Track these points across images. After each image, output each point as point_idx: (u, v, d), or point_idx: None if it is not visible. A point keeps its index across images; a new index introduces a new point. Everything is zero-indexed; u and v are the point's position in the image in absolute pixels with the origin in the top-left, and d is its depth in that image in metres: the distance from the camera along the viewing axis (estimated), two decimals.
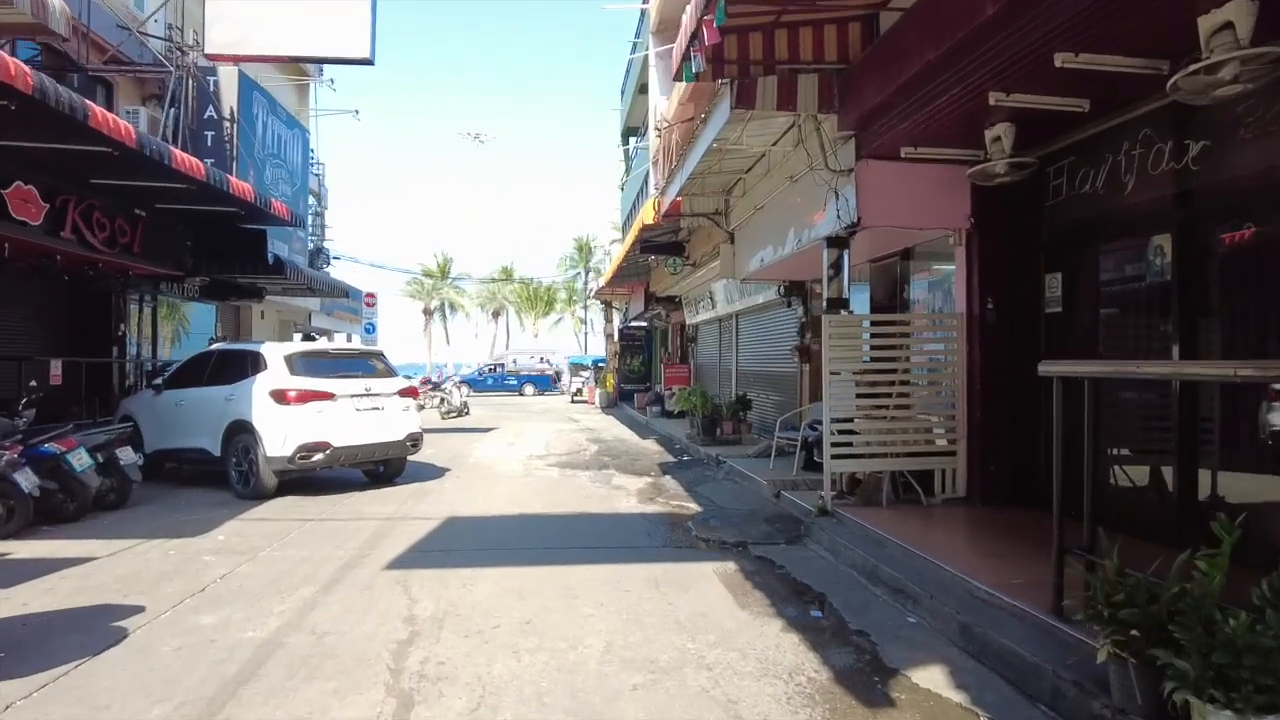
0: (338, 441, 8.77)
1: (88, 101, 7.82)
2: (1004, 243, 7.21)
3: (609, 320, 30.07)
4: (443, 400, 22.90)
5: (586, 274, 55.16)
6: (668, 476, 10.58)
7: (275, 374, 8.76)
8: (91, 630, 4.42)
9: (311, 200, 30.52)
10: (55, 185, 9.85)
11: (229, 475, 8.88)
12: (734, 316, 15.45)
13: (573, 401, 31.84)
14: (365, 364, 9.72)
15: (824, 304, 7.54)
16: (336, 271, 31.77)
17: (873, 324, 7.57)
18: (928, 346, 7.86)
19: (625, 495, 9.09)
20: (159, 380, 10.10)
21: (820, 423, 8.22)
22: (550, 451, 13.68)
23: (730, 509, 8.13)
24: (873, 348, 7.39)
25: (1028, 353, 7.13)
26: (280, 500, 8.61)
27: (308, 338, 28.53)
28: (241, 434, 8.73)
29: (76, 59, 11.86)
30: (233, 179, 11.18)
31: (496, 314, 63.78)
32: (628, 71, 27.09)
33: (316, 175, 30.22)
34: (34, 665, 3.89)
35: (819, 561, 6.11)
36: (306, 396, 8.63)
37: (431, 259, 63.09)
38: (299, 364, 8.92)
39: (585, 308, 57.60)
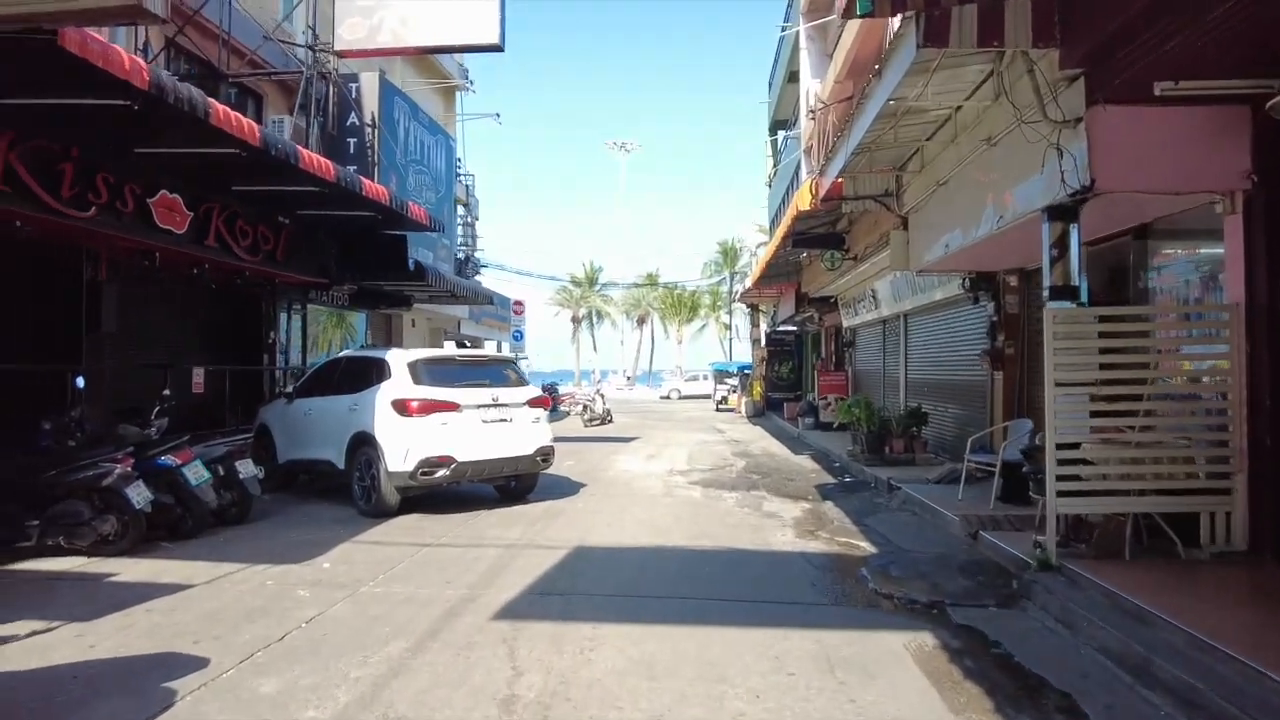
0: (462, 456, 8.00)
1: (210, 99, 7.50)
2: None
3: (755, 325, 28.57)
4: (585, 408, 22.35)
5: (731, 279, 53.86)
6: (829, 503, 9.12)
7: (398, 383, 8.14)
8: (137, 691, 3.68)
9: (461, 210, 31.21)
10: (199, 193, 9.83)
11: (353, 490, 8.34)
12: (901, 317, 13.67)
13: (717, 410, 30.62)
14: (494, 372, 8.96)
15: (1045, 293, 5.90)
16: (486, 280, 32.30)
17: (1107, 320, 5.83)
18: (1184, 349, 6.05)
19: (780, 526, 7.75)
20: (290, 388, 9.81)
21: (1031, 448, 6.56)
22: (693, 467, 12.51)
23: (914, 552, 6.61)
24: (1105, 350, 5.67)
25: None
26: (402, 519, 7.95)
27: (460, 346, 29.11)
28: (364, 446, 8.16)
29: (218, 66, 11.98)
30: (366, 181, 10.87)
31: (641, 321, 63.78)
32: (775, 60, 25.63)
33: (465, 185, 30.82)
34: None
35: (1049, 638, 4.54)
36: (429, 407, 7.93)
37: (579, 267, 64.02)
38: (424, 372, 8.26)
39: (730, 313, 56.23)
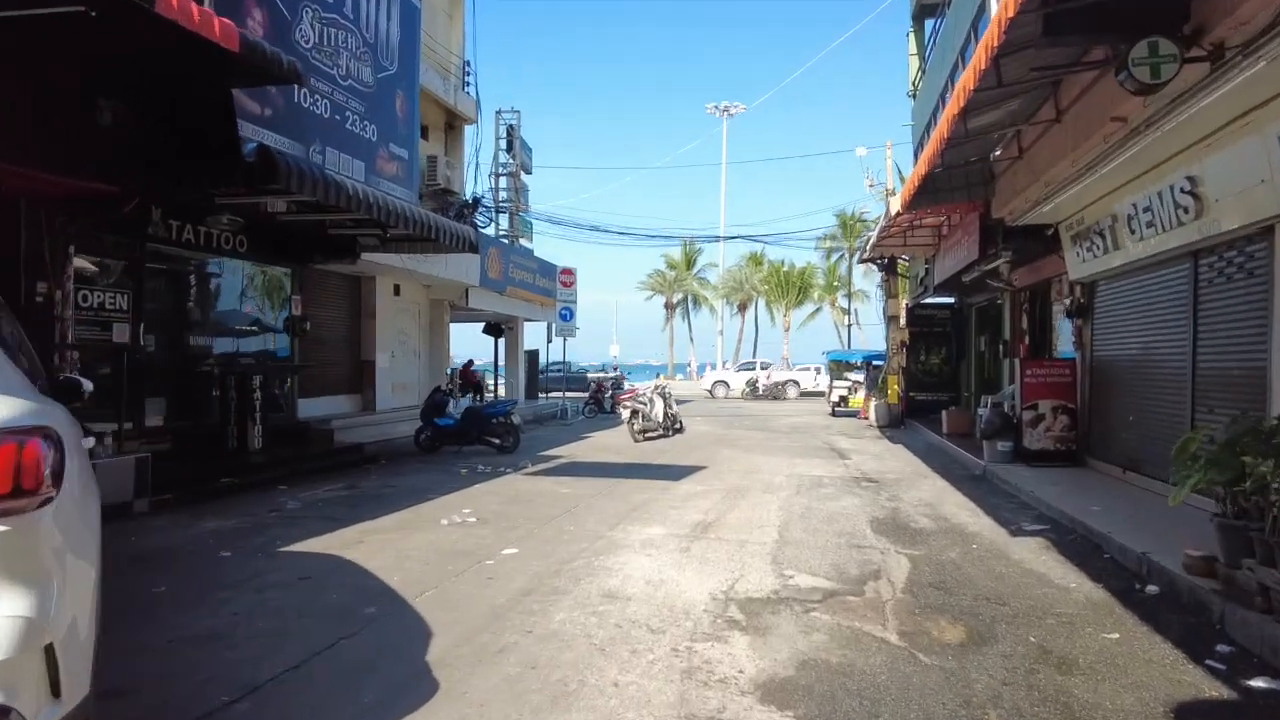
0: None
1: None
2: None
3: (892, 295, 20.24)
4: (635, 414, 15.16)
5: (851, 257, 45.33)
6: None
7: None
8: None
9: (506, 159, 24.74)
10: None
11: None
12: (1277, 231, 5.82)
13: (833, 414, 22.72)
14: None
15: None
16: (541, 248, 25.65)
17: None
18: None
19: None
20: None
21: None
22: (784, 586, 5.20)
23: None
24: None
25: None
26: None
27: (493, 330, 22.37)
28: None
29: None
30: None
31: (743, 306, 55.86)
32: None
33: (509, 123, 24.25)
34: None
35: None
36: None
37: (673, 242, 56.83)
38: None
39: (848, 296, 47.51)
